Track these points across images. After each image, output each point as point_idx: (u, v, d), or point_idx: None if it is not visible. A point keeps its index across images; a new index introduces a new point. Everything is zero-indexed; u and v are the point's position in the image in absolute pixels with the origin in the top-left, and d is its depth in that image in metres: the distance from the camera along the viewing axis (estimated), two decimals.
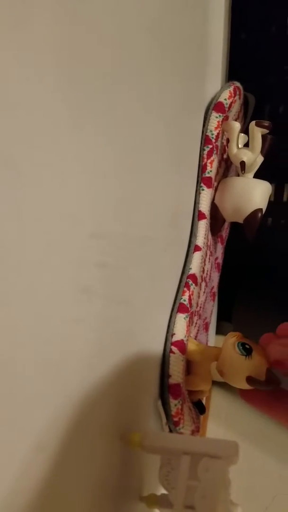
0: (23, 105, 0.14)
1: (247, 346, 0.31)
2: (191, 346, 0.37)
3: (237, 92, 0.45)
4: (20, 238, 0.15)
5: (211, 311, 0.57)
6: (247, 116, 0.53)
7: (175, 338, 0.36)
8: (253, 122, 0.40)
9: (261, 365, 0.30)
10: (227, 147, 0.44)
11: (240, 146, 0.42)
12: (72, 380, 0.20)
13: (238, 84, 0.46)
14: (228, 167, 0.50)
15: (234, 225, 0.54)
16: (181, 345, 0.36)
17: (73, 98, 0.18)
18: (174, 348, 0.36)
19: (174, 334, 0.37)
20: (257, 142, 0.40)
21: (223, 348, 0.33)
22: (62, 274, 0.18)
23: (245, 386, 0.30)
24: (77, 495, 0.22)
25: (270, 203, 0.45)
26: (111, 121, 0.22)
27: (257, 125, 0.40)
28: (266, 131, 0.40)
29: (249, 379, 0.30)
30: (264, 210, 0.43)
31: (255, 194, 0.42)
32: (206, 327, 0.55)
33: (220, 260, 0.55)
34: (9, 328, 0.15)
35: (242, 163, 0.41)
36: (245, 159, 0.41)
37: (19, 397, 0.16)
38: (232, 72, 0.53)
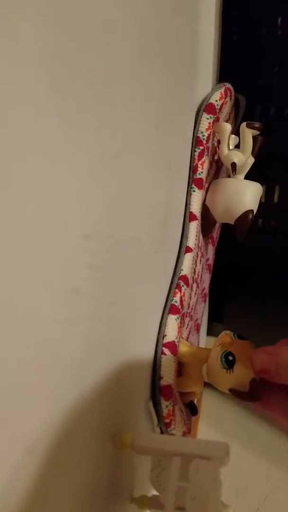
0: (13, 107, 0.14)
1: (230, 358, 0.31)
2: (183, 347, 0.37)
3: (228, 94, 0.45)
4: (9, 239, 0.15)
5: (202, 312, 0.57)
6: (238, 118, 0.53)
7: (166, 340, 0.36)
8: (244, 124, 0.40)
9: (244, 376, 0.31)
10: (218, 149, 0.45)
11: (231, 147, 0.42)
12: (63, 381, 0.20)
13: (229, 85, 0.46)
14: (219, 168, 0.50)
15: (224, 226, 0.54)
16: (172, 347, 0.36)
17: (62, 101, 0.18)
18: (165, 350, 0.36)
19: (166, 335, 0.37)
20: (248, 144, 0.41)
21: (209, 357, 0.33)
22: (52, 275, 0.18)
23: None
24: (67, 496, 0.22)
25: (261, 204, 0.45)
26: (100, 123, 0.21)
27: (248, 126, 0.40)
28: (257, 132, 0.40)
29: (232, 391, 0.31)
30: (255, 211, 0.43)
31: (246, 195, 0.42)
32: (198, 328, 0.55)
33: (211, 261, 0.55)
34: None
35: (233, 165, 0.41)
36: (236, 160, 0.41)
37: (10, 398, 0.16)
38: (223, 74, 0.53)
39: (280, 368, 0.27)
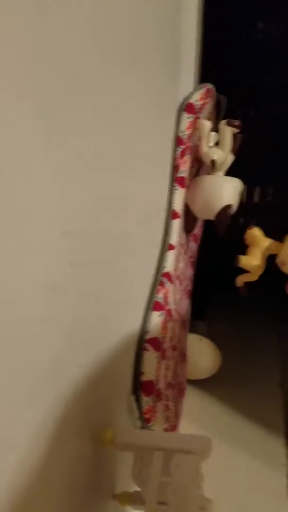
0: None
1: None
2: (257, 231, 0.37)
3: (209, 94, 0.45)
4: None
5: (188, 309, 0.57)
6: (219, 117, 0.54)
7: (149, 336, 0.37)
8: (224, 121, 0.41)
9: None
10: (199, 147, 0.45)
11: (211, 144, 0.43)
12: (42, 377, 0.20)
13: (210, 86, 0.47)
14: (200, 167, 0.50)
15: (207, 224, 0.54)
16: (155, 343, 0.36)
17: (41, 102, 0.18)
18: (148, 346, 0.36)
19: (149, 331, 0.37)
20: (227, 141, 0.41)
21: (285, 244, 0.34)
22: (31, 272, 0.18)
23: None
24: (47, 495, 0.22)
25: (242, 204, 0.46)
26: (82, 123, 0.22)
27: (228, 124, 0.41)
28: (236, 130, 0.41)
29: None
30: (235, 207, 0.43)
31: (224, 190, 0.43)
32: (184, 324, 0.55)
33: (194, 258, 0.56)
34: None
35: (213, 161, 0.42)
36: (215, 157, 0.42)
37: None
38: (205, 75, 0.54)
39: None
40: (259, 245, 0.36)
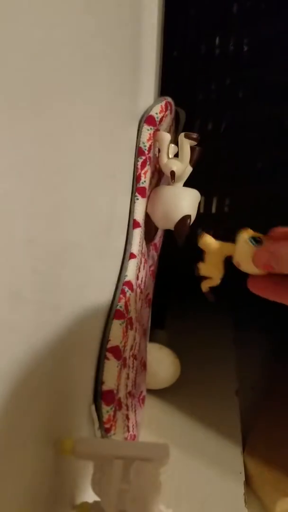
0: None
1: (257, 239, 0.33)
2: (209, 239, 0.38)
3: (168, 107, 0.47)
4: None
5: (148, 317, 0.58)
6: (178, 130, 0.55)
7: (110, 344, 0.37)
8: (182, 134, 0.42)
9: None
10: (159, 158, 0.46)
11: (170, 156, 0.44)
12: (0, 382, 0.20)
13: (169, 99, 0.48)
14: (161, 178, 0.51)
15: (167, 234, 0.55)
16: (116, 351, 0.37)
17: (3, 111, 0.18)
18: (109, 355, 0.36)
19: (110, 340, 0.37)
20: (186, 153, 0.42)
21: (238, 244, 0.34)
22: None
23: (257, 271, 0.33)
24: (4, 506, 0.22)
25: (200, 215, 0.47)
26: (42, 131, 0.22)
27: (186, 136, 0.42)
28: (194, 142, 0.42)
29: None
30: (194, 217, 0.44)
31: (183, 201, 0.44)
32: (145, 333, 0.56)
33: (154, 268, 0.57)
34: None
35: (172, 173, 0.43)
36: (174, 168, 0.43)
37: None
38: (165, 88, 0.55)
39: (281, 262, 0.30)
40: (213, 250, 0.37)
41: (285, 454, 0.58)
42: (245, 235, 0.35)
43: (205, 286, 0.40)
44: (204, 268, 0.38)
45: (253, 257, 0.33)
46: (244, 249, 0.34)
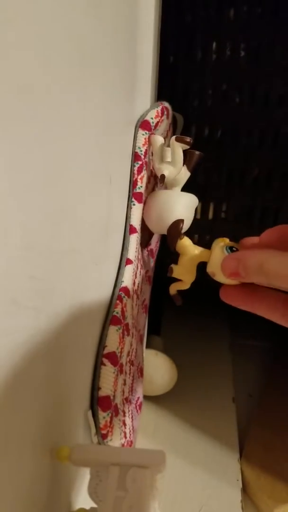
0: None
1: (234, 249, 0.33)
2: (186, 241, 0.38)
3: (165, 112, 0.47)
4: None
5: (145, 323, 0.58)
6: (176, 135, 0.55)
7: (106, 350, 0.37)
8: (174, 137, 0.41)
9: None
10: (152, 162, 0.46)
11: (168, 160, 0.43)
12: None
13: (166, 104, 0.48)
14: (157, 183, 0.51)
15: (163, 240, 0.55)
16: (112, 357, 0.36)
17: None
18: (105, 360, 0.36)
19: (106, 346, 0.37)
20: (178, 157, 0.42)
21: (212, 252, 0.35)
22: None
23: (230, 281, 0.33)
24: None
25: (196, 221, 0.47)
26: (39, 137, 0.22)
27: (177, 140, 0.41)
28: (186, 146, 0.41)
29: None
30: (190, 222, 0.44)
31: (177, 205, 0.43)
32: (141, 339, 0.55)
33: (151, 273, 0.57)
34: None
35: (162, 176, 0.42)
36: (166, 173, 0.42)
37: None
38: (161, 93, 0.55)
39: (249, 270, 0.29)
40: (189, 254, 0.37)
41: (282, 461, 0.58)
42: (221, 243, 0.35)
43: (174, 288, 0.40)
44: (177, 271, 0.38)
45: (221, 264, 0.33)
46: (218, 256, 0.34)
